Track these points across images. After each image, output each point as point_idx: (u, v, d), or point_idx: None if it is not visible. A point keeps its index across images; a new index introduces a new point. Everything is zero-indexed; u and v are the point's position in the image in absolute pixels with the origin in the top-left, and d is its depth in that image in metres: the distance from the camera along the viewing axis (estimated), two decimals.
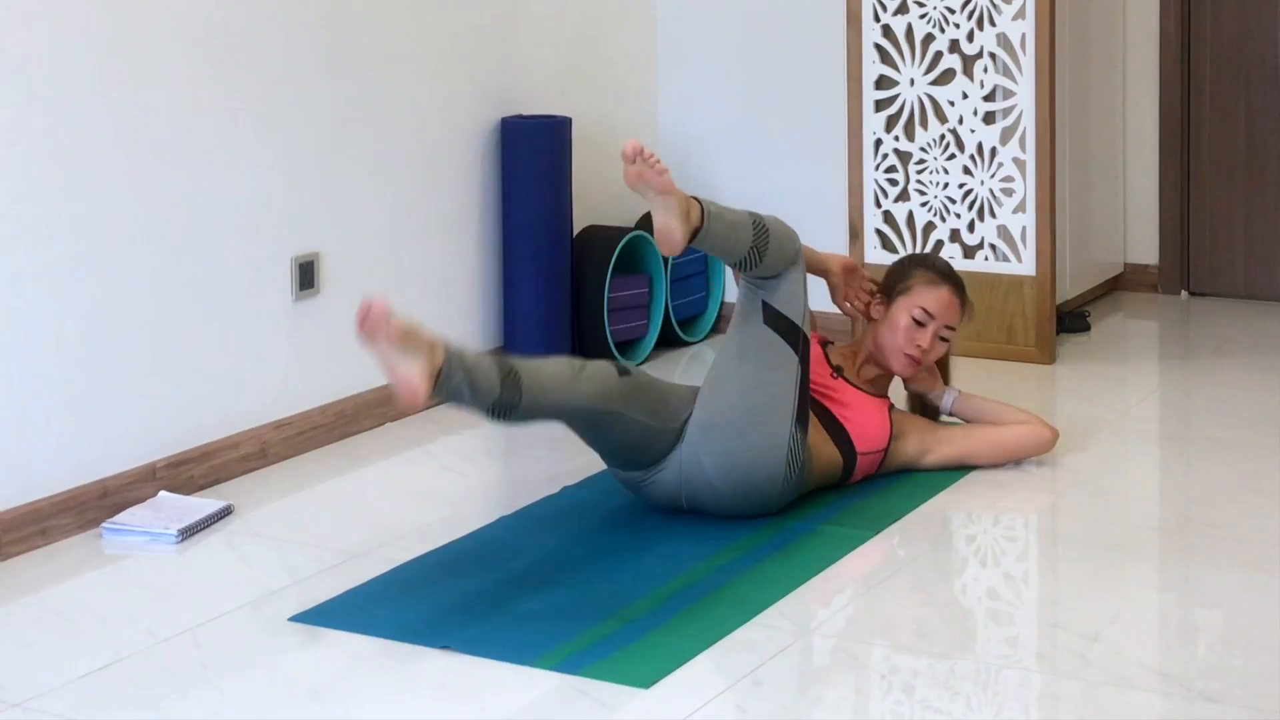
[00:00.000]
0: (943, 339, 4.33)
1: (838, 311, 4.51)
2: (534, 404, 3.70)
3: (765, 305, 3.99)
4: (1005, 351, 5.45)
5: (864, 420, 4.21)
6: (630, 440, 3.93)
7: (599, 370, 3.84)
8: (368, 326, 3.48)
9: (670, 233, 3.84)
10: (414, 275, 5.03)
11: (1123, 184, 6.36)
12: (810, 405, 4.06)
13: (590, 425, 3.90)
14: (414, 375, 3.47)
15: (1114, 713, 3.09)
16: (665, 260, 5.55)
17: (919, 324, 4.29)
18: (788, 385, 3.96)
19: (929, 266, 4.39)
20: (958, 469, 4.34)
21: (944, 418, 4.45)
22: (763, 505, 4.00)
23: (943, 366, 4.46)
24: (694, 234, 3.87)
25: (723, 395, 3.97)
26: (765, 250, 3.94)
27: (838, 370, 4.27)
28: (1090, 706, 3.12)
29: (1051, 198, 5.41)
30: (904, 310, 4.30)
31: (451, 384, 3.55)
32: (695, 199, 3.90)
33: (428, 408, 3.50)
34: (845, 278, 4.38)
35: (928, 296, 4.31)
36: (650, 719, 3.11)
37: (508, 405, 3.65)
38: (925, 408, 4.46)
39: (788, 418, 3.95)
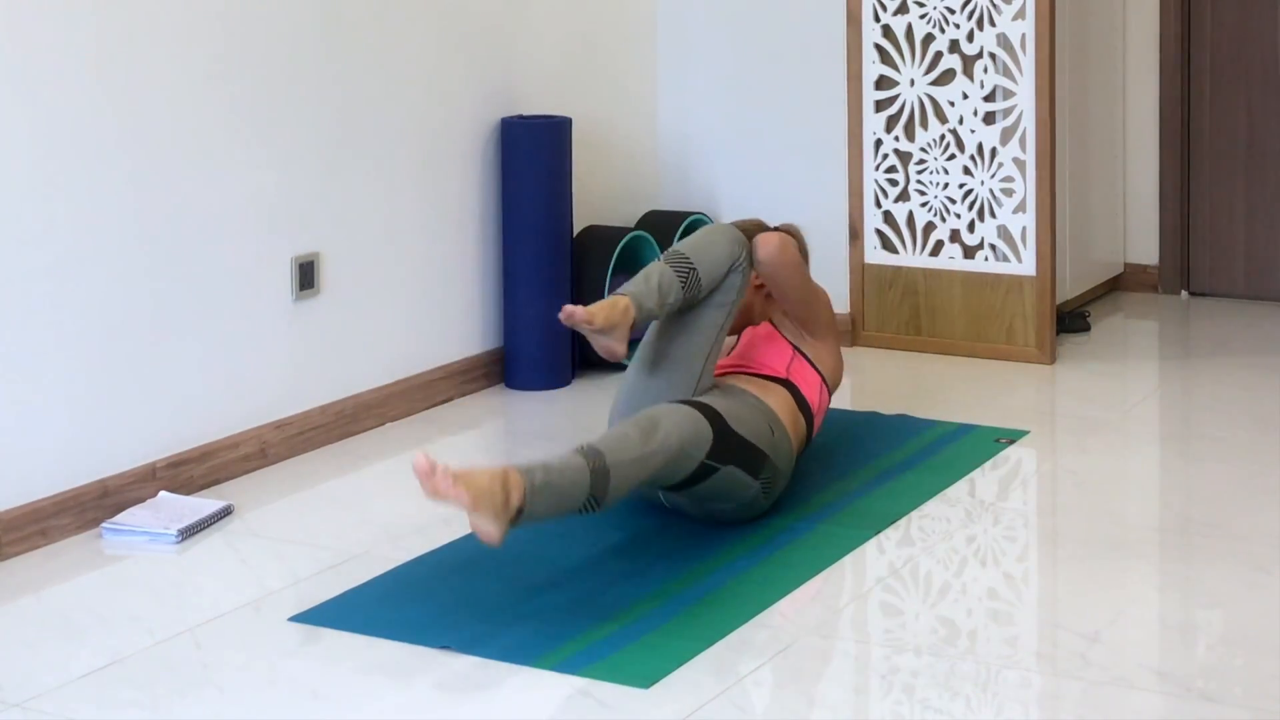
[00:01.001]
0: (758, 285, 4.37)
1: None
2: (619, 486, 3.61)
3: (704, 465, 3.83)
4: (1005, 351, 5.45)
5: (757, 349, 4.26)
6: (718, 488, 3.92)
7: (697, 441, 3.77)
8: (430, 490, 3.38)
9: (488, 535, 3.41)
10: (414, 275, 5.03)
11: (1123, 184, 6.36)
12: (743, 393, 4.06)
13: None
14: (491, 530, 3.38)
15: (1114, 713, 3.09)
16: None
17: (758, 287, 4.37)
18: (738, 483, 3.91)
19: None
20: (949, 465, 4.35)
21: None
22: (748, 517, 4.01)
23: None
24: (515, 517, 3.43)
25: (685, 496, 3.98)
26: (699, 289, 3.99)
27: (729, 351, 4.34)
28: (1090, 706, 3.12)
29: (1051, 198, 5.41)
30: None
31: (538, 516, 3.47)
32: (513, 473, 3.45)
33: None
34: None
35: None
36: (650, 719, 3.11)
37: (596, 500, 3.56)
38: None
39: (746, 487, 3.92)
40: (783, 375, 4.20)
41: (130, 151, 4.18)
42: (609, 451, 3.58)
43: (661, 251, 5.51)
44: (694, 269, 3.99)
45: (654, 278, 3.98)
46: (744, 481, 3.89)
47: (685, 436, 3.72)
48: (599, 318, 3.88)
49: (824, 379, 4.28)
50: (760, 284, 4.37)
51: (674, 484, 3.83)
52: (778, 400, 4.11)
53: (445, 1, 5.12)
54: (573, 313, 3.87)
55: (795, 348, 4.27)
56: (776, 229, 4.43)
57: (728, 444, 3.82)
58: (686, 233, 5.53)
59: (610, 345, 3.92)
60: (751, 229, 4.34)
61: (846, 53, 5.62)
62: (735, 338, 4.45)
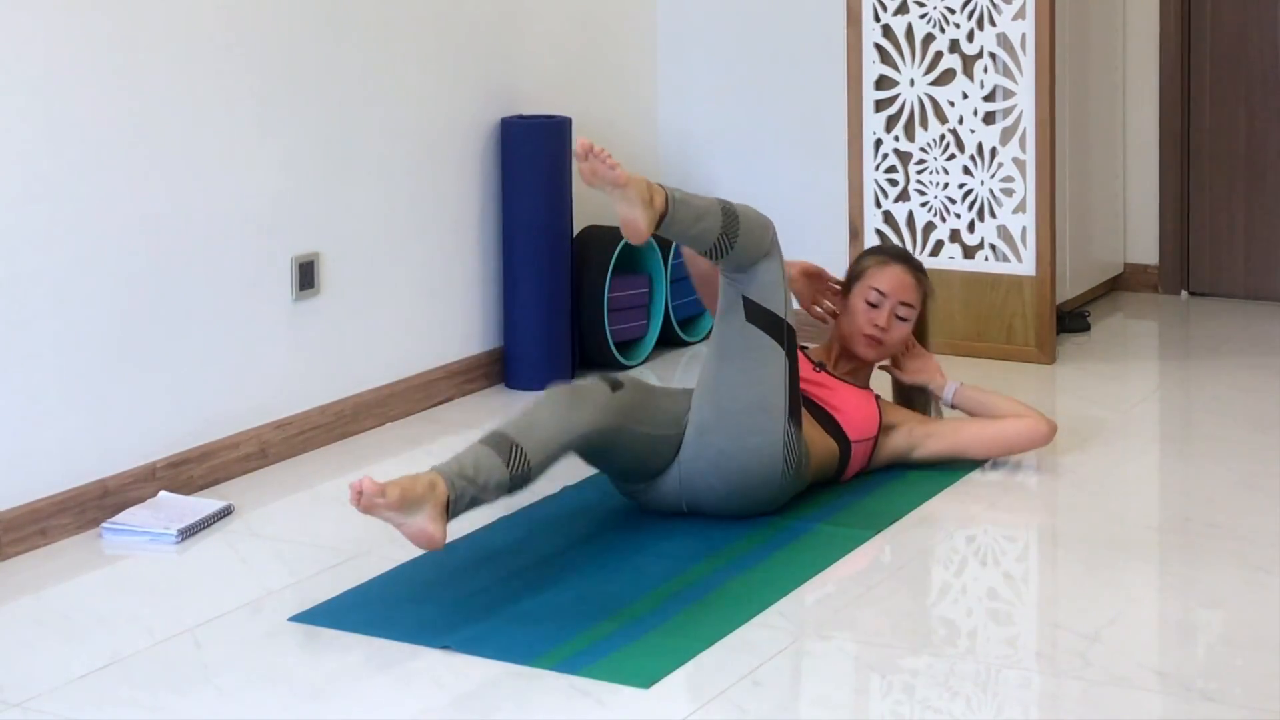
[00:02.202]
0: (901, 318, 4.36)
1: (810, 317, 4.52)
2: (543, 461, 3.68)
3: (745, 300, 3.98)
4: (1005, 351, 5.45)
5: (852, 408, 4.22)
6: (637, 453, 3.93)
7: (590, 393, 3.83)
8: (364, 505, 3.45)
9: (634, 222, 3.83)
10: (414, 275, 5.03)
11: (1123, 184, 6.36)
12: (801, 400, 4.07)
13: (596, 448, 3.88)
14: (426, 525, 3.47)
15: (1114, 713, 3.09)
16: (665, 260, 5.55)
17: (873, 305, 4.34)
18: (776, 380, 3.96)
19: (879, 251, 4.50)
20: (951, 462, 4.35)
21: (945, 410, 4.45)
22: (763, 503, 4.01)
23: (921, 341, 4.48)
24: (660, 220, 3.85)
25: (714, 397, 3.97)
26: (736, 237, 3.93)
27: (820, 365, 4.29)
28: (1090, 706, 3.12)
29: (1051, 198, 5.41)
30: (859, 295, 4.36)
31: (463, 504, 3.55)
32: (660, 186, 3.89)
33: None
34: (808, 282, 4.41)
35: (878, 276, 4.36)
36: (650, 719, 3.11)
37: (521, 479, 3.64)
38: (915, 402, 4.46)
39: (780, 413, 3.95)
40: (847, 439, 4.19)
41: (130, 152, 4.18)
42: (739, 207, 3.92)
43: (661, 251, 5.53)
44: (737, 219, 3.93)
45: (700, 205, 3.92)
46: (773, 369, 3.92)
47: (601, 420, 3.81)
48: (622, 172, 3.81)
49: (869, 464, 4.29)
50: (916, 346, 4.42)
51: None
52: (822, 447, 4.13)
53: (445, 2, 5.12)
54: (590, 145, 3.82)
55: (878, 435, 4.26)
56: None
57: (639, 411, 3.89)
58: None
59: (630, 212, 3.84)
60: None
61: (846, 53, 5.62)
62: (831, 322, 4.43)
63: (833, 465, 4.18)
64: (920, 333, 4.48)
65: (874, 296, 4.34)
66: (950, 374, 4.48)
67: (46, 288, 4.00)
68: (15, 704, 3.18)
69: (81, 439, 4.09)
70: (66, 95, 4.03)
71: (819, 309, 4.46)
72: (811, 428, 4.12)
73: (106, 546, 4.01)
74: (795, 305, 4.19)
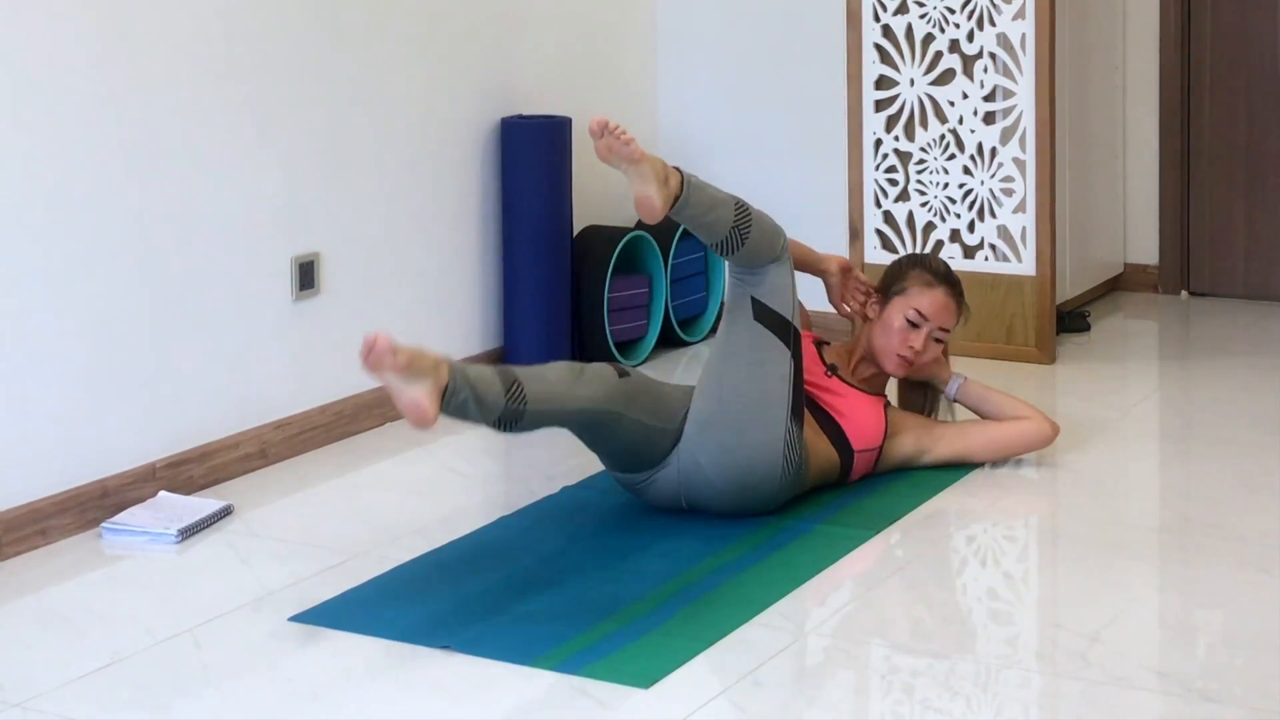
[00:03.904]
0: (936, 340, 4.33)
1: (835, 312, 4.51)
2: (538, 412, 3.69)
3: (754, 300, 3.99)
4: (1005, 351, 5.45)
5: (859, 418, 4.21)
6: (632, 441, 3.93)
7: (599, 373, 3.84)
8: (372, 360, 3.44)
9: (648, 200, 3.83)
10: (414, 275, 5.03)
11: (1123, 184, 6.36)
12: (805, 402, 4.07)
13: (592, 428, 3.90)
14: (421, 398, 3.47)
15: (1114, 713, 3.09)
16: (665, 260, 5.55)
17: (913, 325, 4.29)
18: (781, 380, 3.96)
19: (925, 268, 4.38)
20: (957, 467, 4.35)
21: (944, 408, 4.45)
22: (762, 502, 4.01)
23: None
24: (674, 201, 3.86)
25: (717, 392, 3.97)
26: (747, 234, 3.93)
27: (832, 369, 4.27)
28: (1090, 706, 3.12)
29: (1051, 198, 5.41)
30: (898, 311, 4.30)
31: (457, 400, 3.54)
32: (676, 168, 3.90)
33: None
34: (842, 278, 4.38)
35: (923, 299, 4.30)
36: (650, 719, 3.11)
37: (513, 415, 3.65)
38: (920, 401, 4.46)
39: (783, 412, 3.95)
40: (850, 448, 4.19)
41: (130, 152, 4.18)
42: (753, 208, 3.95)
43: (661, 251, 5.53)
44: (749, 216, 3.95)
45: (715, 194, 3.94)
46: (778, 369, 3.93)
47: (606, 395, 3.82)
48: (641, 154, 3.79)
49: (872, 472, 4.28)
50: (864, 309, 4.37)
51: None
52: (823, 455, 4.13)
53: (444, 2, 5.12)
54: (605, 121, 3.80)
55: (883, 444, 4.25)
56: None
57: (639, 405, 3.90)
58: (686, 232, 5.52)
59: (645, 190, 3.82)
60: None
61: (846, 53, 5.62)
62: (862, 328, 4.40)
63: (834, 473, 4.18)
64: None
65: (915, 317, 4.28)
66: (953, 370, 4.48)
67: (46, 288, 4.00)
68: (15, 704, 3.18)
69: (81, 439, 4.09)
70: (67, 96, 4.03)
71: (846, 307, 4.42)
72: (814, 434, 4.11)
73: (106, 546, 4.01)
74: (825, 304, 4.18)
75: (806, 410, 4.09)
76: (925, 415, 4.44)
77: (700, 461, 3.95)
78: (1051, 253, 5.42)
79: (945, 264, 4.42)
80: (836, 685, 3.27)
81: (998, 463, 4.41)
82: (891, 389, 4.47)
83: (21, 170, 3.94)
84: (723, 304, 5.74)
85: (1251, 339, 5.73)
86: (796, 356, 4.00)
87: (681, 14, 5.97)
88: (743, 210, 3.95)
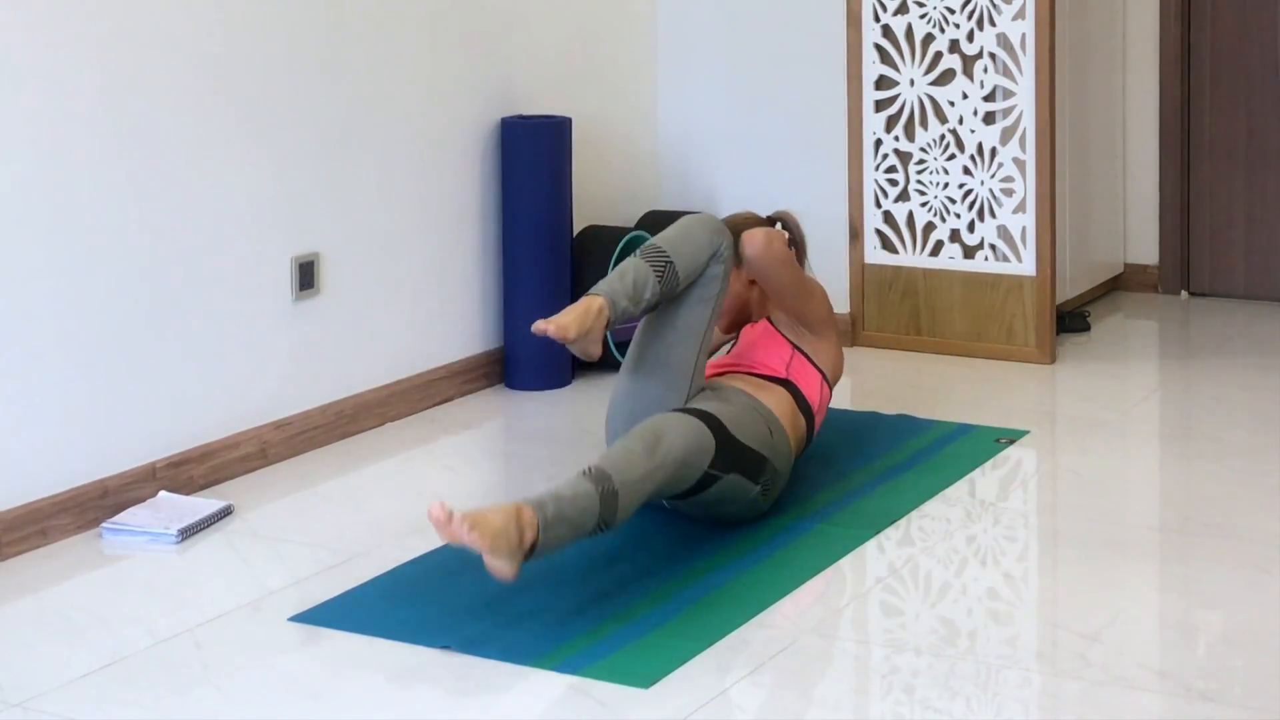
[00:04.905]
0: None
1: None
2: (630, 506, 3.62)
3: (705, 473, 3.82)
4: (1005, 351, 5.45)
5: (760, 352, 4.23)
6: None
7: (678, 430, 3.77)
8: (449, 535, 3.37)
9: (500, 572, 3.43)
10: (414, 275, 5.03)
11: (1123, 184, 6.36)
12: (737, 395, 4.04)
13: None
14: (503, 568, 3.40)
15: (1114, 713, 3.09)
16: None
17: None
18: (738, 486, 3.89)
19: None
20: (951, 462, 4.35)
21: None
22: (748, 517, 4.01)
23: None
24: (529, 552, 3.44)
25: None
26: (677, 281, 3.93)
27: (719, 353, 4.34)
28: (1090, 706, 3.12)
29: (1051, 198, 5.41)
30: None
31: (551, 548, 3.47)
32: (526, 510, 3.44)
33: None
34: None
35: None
36: (650, 719, 3.11)
37: (606, 523, 3.56)
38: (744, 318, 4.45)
39: (749, 492, 3.93)
40: (782, 375, 4.18)
41: (130, 152, 4.18)
42: (616, 472, 3.57)
43: None
44: (670, 262, 3.93)
45: (629, 274, 3.91)
46: (745, 487, 3.89)
47: (689, 447, 3.71)
48: (572, 329, 3.79)
49: (824, 376, 4.26)
50: (754, 280, 4.34)
51: (677, 494, 3.82)
52: (777, 400, 4.10)
53: (445, 2, 5.12)
54: (545, 327, 3.79)
55: (794, 345, 4.25)
56: (769, 218, 4.41)
57: (730, 452, 3.82)
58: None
59: (586, 348, 3.85)
60: (742, 223, 4.32)
61: (846, 53, 5.62)
62: (734, 336, 4.43)
63: (801, 424, 4.16)
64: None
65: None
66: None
67: (46, 288, 4.00)
68: (15, 704, 3.18)
69: (81, 439, 4.09)
70: (66, 96, 4.03)
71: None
72: (756, 389, 4.09)
73: (106, 546, 4.01)
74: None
75: (738, 380, 4.11)
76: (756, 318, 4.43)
77: (681, 506, 3.99)
78: (1051, 253, 5.42)
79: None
80: (836, 685, 3.27)
81: (996, 462, 4.41)
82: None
83: (22, 170, 3.94)
84: None
85: (1251, 339, 5.73)
86: (730, 468, 3.85)
87: (681, 14, 5.97)
88: (659, 265, 3.88)
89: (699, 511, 3.97)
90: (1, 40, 3.88)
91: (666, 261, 3.93)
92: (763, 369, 4.20)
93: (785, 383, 4.17)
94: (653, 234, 5.49)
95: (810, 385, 4.21)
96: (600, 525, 3.54)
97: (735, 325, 4.40)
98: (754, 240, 4.15)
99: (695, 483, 3.77)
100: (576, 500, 3.50)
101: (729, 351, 4.37)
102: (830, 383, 4.29)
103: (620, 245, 5.38)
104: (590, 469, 3.57)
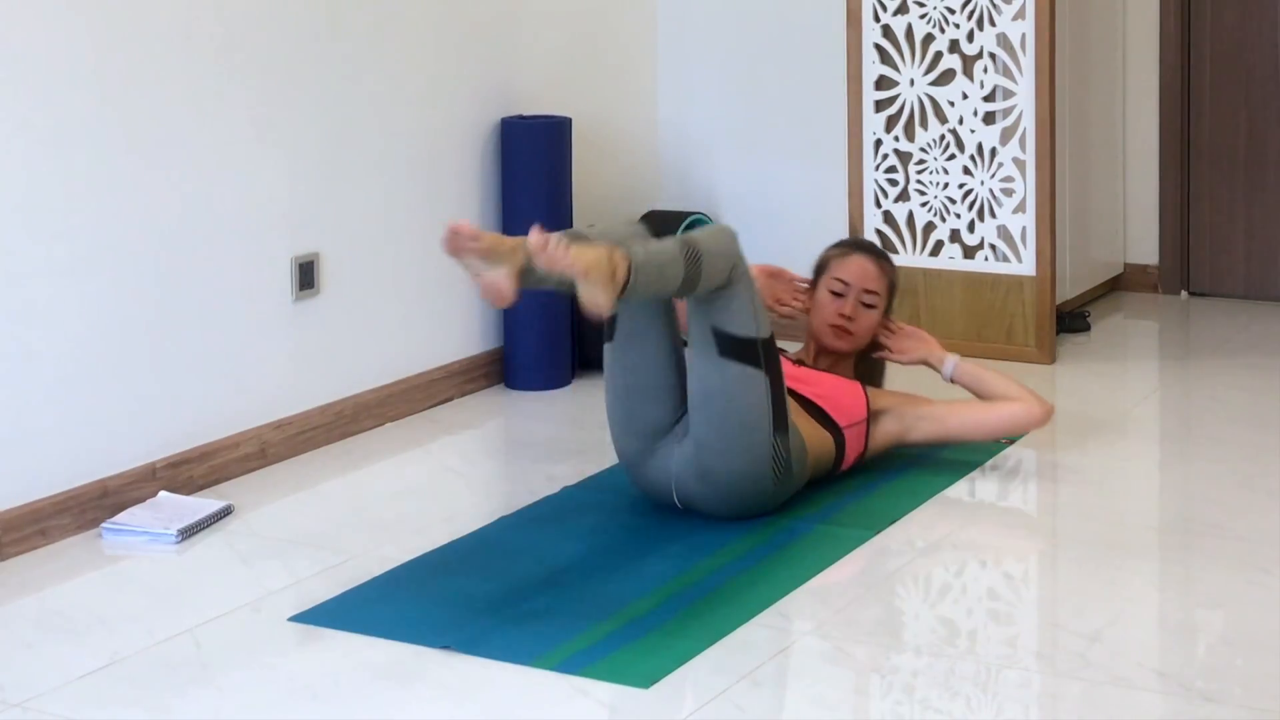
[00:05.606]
0: (868, 305, 4.38)
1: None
2: (705, 273, 3.81)
3: (715, 332, 3.91)
4: (1005, 351, 5.45)
5: (838, 395, 4.23)
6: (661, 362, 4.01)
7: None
8: (452, 245, 3.66)
9: (596, 305, 3.64)
10: (414, 275, 5.03)
11: (1123, 184, 6.36)
12: (787, 398, 4.05)
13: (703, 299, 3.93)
14: (499, 279, 3.68)
15: (1114, 713, 3.09)
16: None
17: (838, 295, 4.38)
18: (759, 403, 3.92)
19: (841, 243, 4.55)
20: (950, 462, 4.35)
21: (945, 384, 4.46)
22: (756, 508, 4.01)
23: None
24: (623, 289, 3.66)
25: (700, 423, 3.95)
26: (699, 279, 3.84)
27: (799, 363, 4.30)
28: (1090, 706, 3.12)
29: (1051, 198, 5.41)
30: (823, 287, 4.41)
31: (639, 292, 3.68)
32: (622, 254, 3.66)
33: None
34: (770, 283, 4.40)
35: (841, 267, 4.41)
36: (650, 719, 3.11)
37: (692, 282, 3.77)
38: (870, 374, 4.48)
39: (766, 431, 3.93)
40: (838, 426, 4.21)
41: (130, 152, 4.18)
42: (698, 241, 3.82)
43: None
44: (699, 273, 3.83)
45: (662, 257, 3.78)
46: (755, 382, 3.91)
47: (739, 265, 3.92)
48: (591, 267, 3.62)
49: (865, 449, 4.29)
50: (887, 322, 4.44)
51: (705, 292, 3.88)
52: (816, 438, 4.14)
53: (445, 2, 5.12)
54: (547, 238, 3.64)
55: (868, 420, 4.26)
56: (882, 269, 4.45)
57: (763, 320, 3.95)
58: (687, 230, 5.52)
59: (592, 293, 3.62)
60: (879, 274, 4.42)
61: (846, 53, 5.62)
62: (843, 353, 4.42)
63: (829, 457, 4.18)
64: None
65: (838, 286, 4.38)
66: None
67: (47, 288, 4.00)
68: (15, 704, 3.18)
69: (81, 439, 4.09)
70: (66, 96, 4.03)
71: (786, 309, 4.47)
72: (803, 421, 4.11)
73: (106, 546, 4.01)
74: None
75: (791, 399, 4.09)
76: (876, 386, 4.46)
77: (692, 472, 3.96)
78: (1051, 253, 5.42)
79: (864, 239, 4.51)
80: (837, 685, 3.27)
81: (996, 462, 4.41)
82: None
83: (22, 170, 3.94)
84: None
85: (1251, 339, 5.73)
86: (771, 368, 3.96)
87: (681, 14, 5.97)
88: (691, 258, 3.80)
89: (710, 500, 3.95)
90: (1, 40, 3.88)
91: (696, 258, 3.82)
92: (827, 406, 4.20)
93: (837, 434, 4.20)
94: (652, 233, 5.49)
95: (853, 450, 4.24)
96: (686, 284, 3.77)
97: (853, 350, 4.42)
98: (1032, 413, 4.32)
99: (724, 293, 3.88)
100: (664, 252, 3.76)
101: (808, 356, 4.39)
102: (865, 458, 4.32)
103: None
104: (675, 237, 3.83)
